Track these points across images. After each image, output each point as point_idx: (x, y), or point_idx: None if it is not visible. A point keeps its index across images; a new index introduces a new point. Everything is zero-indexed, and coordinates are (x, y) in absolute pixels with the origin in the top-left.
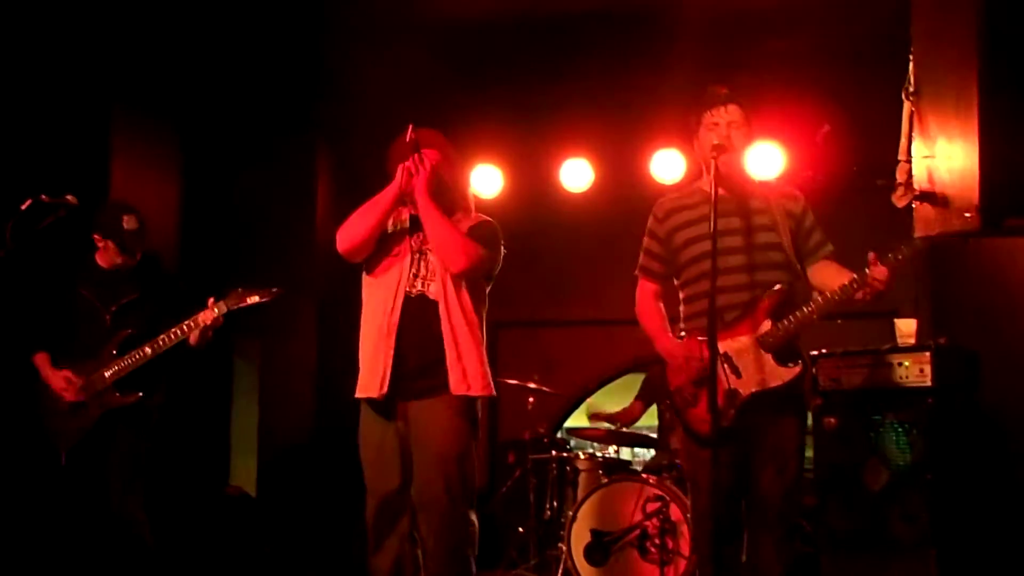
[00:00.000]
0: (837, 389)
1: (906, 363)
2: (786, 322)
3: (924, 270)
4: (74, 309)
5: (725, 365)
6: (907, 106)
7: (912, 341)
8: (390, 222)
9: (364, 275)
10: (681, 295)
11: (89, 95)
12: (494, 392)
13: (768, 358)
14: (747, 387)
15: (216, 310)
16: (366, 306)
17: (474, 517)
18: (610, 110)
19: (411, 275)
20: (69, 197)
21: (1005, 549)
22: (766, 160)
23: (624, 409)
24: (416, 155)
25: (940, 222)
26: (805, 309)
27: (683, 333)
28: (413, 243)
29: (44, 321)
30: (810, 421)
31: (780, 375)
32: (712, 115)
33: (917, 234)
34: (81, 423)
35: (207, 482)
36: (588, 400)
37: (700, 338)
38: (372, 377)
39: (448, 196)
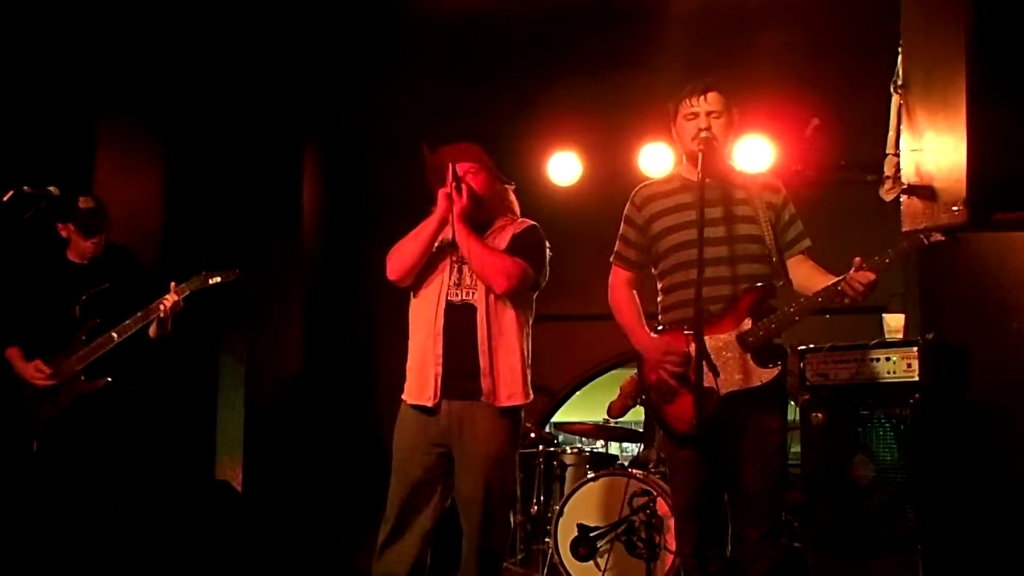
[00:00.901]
0: (824, 384)
1: (894, 358)
2: (768, 321)
3: (913, 265)
4: (45, 301)
5: (704, 362)
6: (895, 99)
7: (900, 336)
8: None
9: (411, 293)
10: (659, 285)
11: (74, 90)
12: (528, 399)
13: (748, 357)
14: (725, 386)
15: (177, 293)
16: (413, 318)
17: (511, 519)
18: (598, 103)
19: (452, 284)
20: (51, 188)
21: (992, 545)
22: (755, 154)
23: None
24: (454, 183)
25: (928, 216)
26: (788, 309)
27: (660, 327)
28: (455, 256)
29: (15, 316)
30: (797, 416)
31: (760, 375)
32: (691, 104)
33: (904, 228)
34: (51, 411)
35: (193, 477)
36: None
37: (685, 331)
38: (422, 384)
39: (488, 206)
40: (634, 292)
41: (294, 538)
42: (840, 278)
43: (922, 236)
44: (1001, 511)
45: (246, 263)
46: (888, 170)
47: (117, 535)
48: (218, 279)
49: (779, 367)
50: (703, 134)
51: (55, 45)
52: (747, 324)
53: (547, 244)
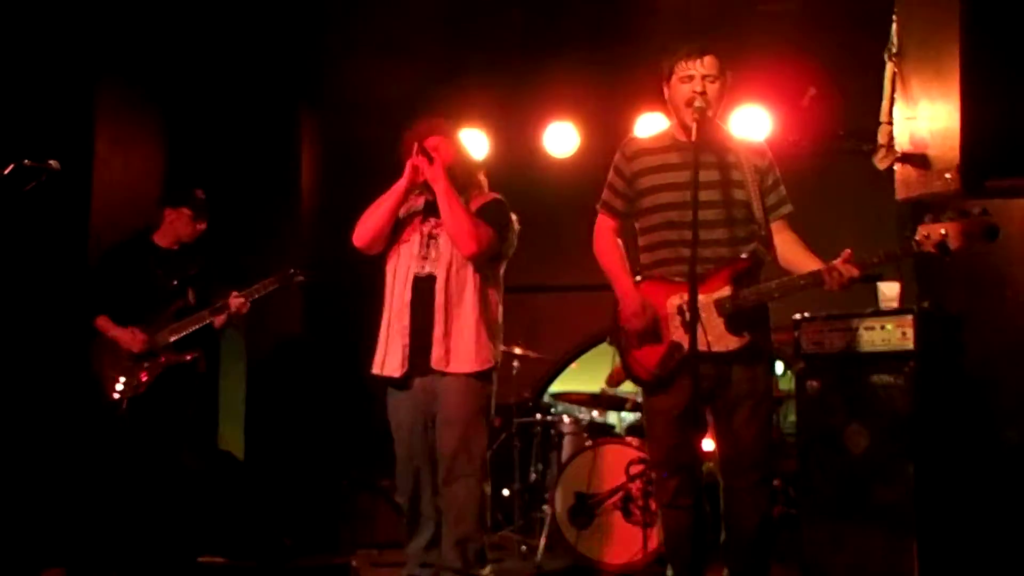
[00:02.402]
0: (819, 353)
1: (889, 327)
2: (747, 292)
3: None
4: (141, 279)
5: (678, 317)
6: (889, 67)
7: (895, 305)
8: (403, 209)
9: (385, 264)
10: (640, 241)
11: (73, 65)
12: (482, 367)
13: (720, 322)
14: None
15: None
16: (386, 291)
17: (486, 486)
18: (595, 73)
19: (420, 257)
20: (52, 162)
21: (986, 512)
22: (752, 123)
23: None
24: (422, 153)
25: (921, 183)
26: (770, 285)
27: (638, 278)
28: (424, 228)
29: (109, 287)
30: (792, 384)
31: (726, 342)
32: (686, 66)
33: (898, 196)
34: (144, 376)
35: (195, 447)
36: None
37: (674, 280)
38: (391, 357)
39: (458, 179)
40: (619, 240)
41: (297, 508)
42: (824, 266)
43: (914, 243)
44: (995, 478)
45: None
46: (882, 138)
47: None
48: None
49: (747, 338)
50: (697, 103)
51: (53, 19)
52: (726, 291)
53: (514, 218)
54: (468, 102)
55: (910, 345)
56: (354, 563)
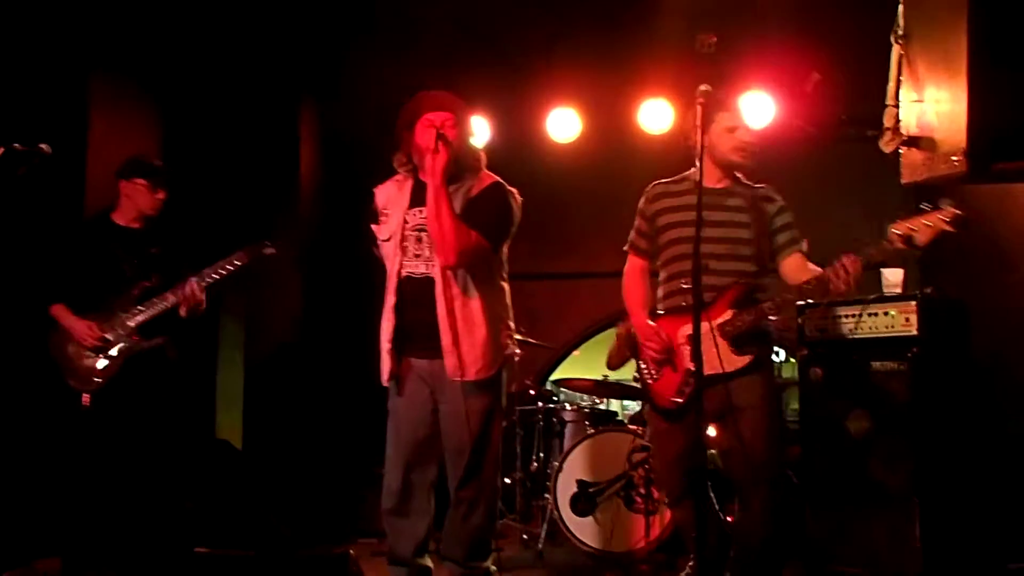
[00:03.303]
0: (823, 339)
1: (892, 312)
2: (745, 314)
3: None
4: (99, 261)
5: (687, 347)
6: (896, 50)
7: (899, 290)
8: (380, 199)
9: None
10: (660, 275)
11: (67, 50)
12: (495, 370)
13: (724, 344)
14: (705, 369)
15: (237, 261)
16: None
17: (497, 480)
18: (598, 59)
19: (413, 255)
20: (43, 146)
21: (988, 499)
22: (757, 109)
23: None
24: (442, 140)
25: (927, 167)
26: (765, 305)
27: (660, 311)
28: (411, 219)
29: (64, 273)
30: (795, 371)
31: (733, 362)
32: (731, 117)
33: (904, 180)
34: (107, 368)
35: (193, 435)
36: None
37: (681, 308)
38: (383, 365)
39: (460, 163)
40: (644, 279)
41: (295, 497)
42: (816, 274)
43: (886, 242)
44: (998, 465)
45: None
46: (888, 121)
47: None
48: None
49: (751, 356)
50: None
51: (47, 4)
52: (728, 315)
53: (515, 197)
54: (470, 88)
55: (913, 331)
56: (353, 552)
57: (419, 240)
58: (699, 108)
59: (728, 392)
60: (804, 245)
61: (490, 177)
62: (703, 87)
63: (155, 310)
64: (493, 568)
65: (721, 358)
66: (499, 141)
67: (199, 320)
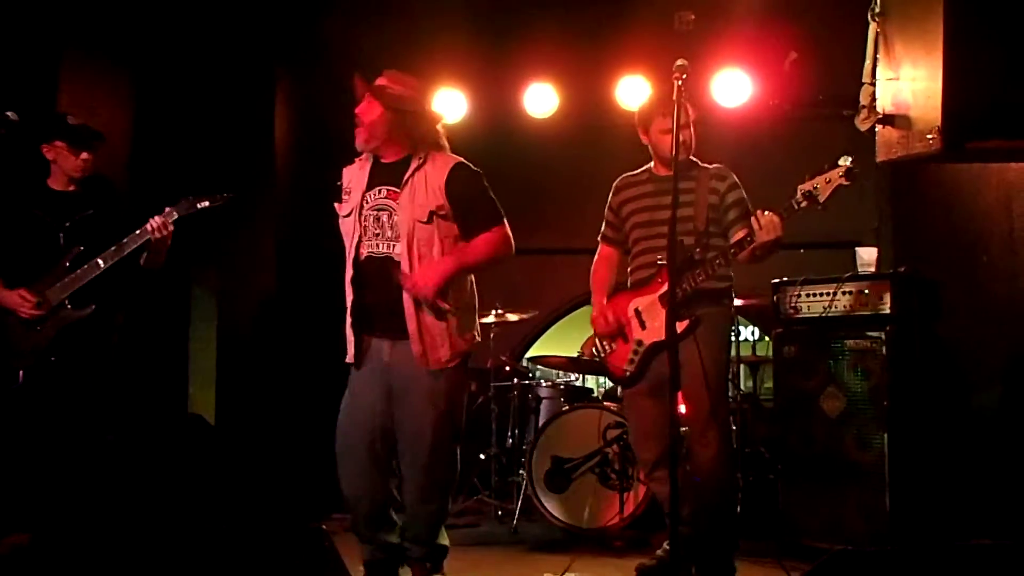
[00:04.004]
0: (797, 317)
1: (866, 291)
2: (679, 282)
3: (886, 198)
4: (26, 229)
5: (635, 319)
6: (873, 28)
7: (872, 269)
8: (347, 180)
9: None
10: (631, 261)
11: (39, 31)
12: (459, 358)
13: (663, 312)
14: (650, 337)
15: (165, 216)
16: None
17: (455, 463)
18: (576, 35)
19: (372, 234)
20: (9, 114)
21: (958, 474)
22: (733, 88)
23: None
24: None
25: (902, 145)
26: (695, 272)
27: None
28: (371, 198)
29: None
30: (770, 350)
31: (676, 327)
32: (666, 121)
33: (879, 157)
34: (37, 341)
35: (165, 410)
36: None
37: (629, 290)
38: (349, 341)
39: (415, 135)
40: (609, 266)
41: (268, 472)
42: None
43: (794, 202)
44: (968, 441)
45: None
46: (864, 99)
47: (112, 472)
48: (206, 203)
49: (689, 320)
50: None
51: None
52: (664, 287)
53: (483, 179)
54: (447, 63)
55: (887, 309)
56: (326, 527)
57: (378, 220)
58: (676, 83)
59: (679, 353)
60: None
61: (452, 159)
62: (680, 62)
63: (86, 276)
64: (447, 542)
65: (663, 325)
66: (476, 116)
67: (169, 290)
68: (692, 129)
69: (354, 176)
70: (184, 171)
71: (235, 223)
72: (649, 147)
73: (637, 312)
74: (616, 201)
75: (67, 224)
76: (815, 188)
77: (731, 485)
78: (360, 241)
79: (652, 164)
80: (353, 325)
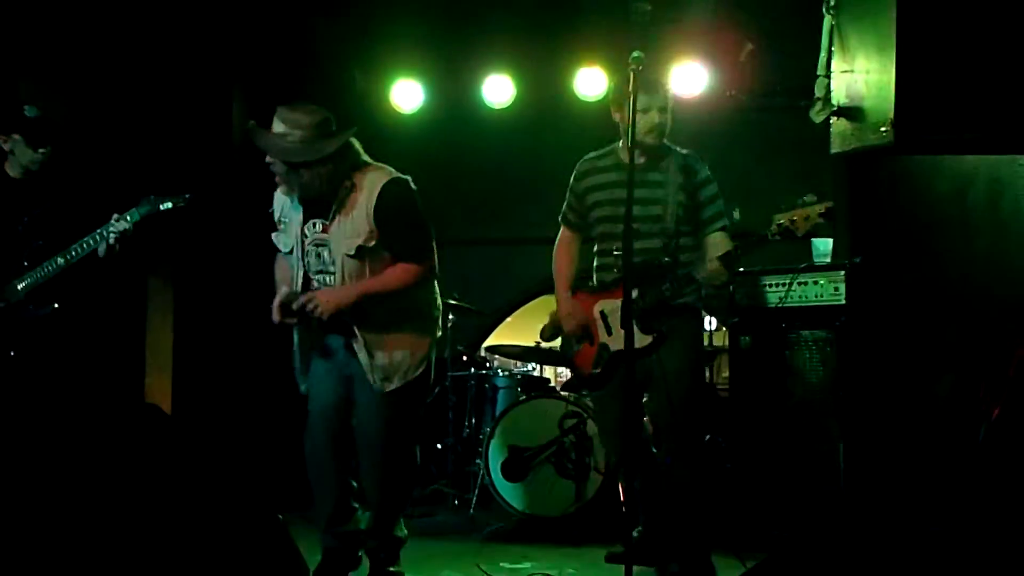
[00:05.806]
0: (753, 307)
1: (822, 281)
2: (648, 296)
3: (841, 189)
4: None
5: (601, 322)
6: (827, 20)
7: (828, 260)
8: (278, 208)
9: None
10: (594, 248)
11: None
12: (417, 372)
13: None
14: (615, 344)
15: (128, 217)
16: None
17: (416, 452)
18: (533, 26)
19: (316, 270)
20: None
21: (911, 461)
22: (689, 79)
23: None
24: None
25: (856, 137)
26: (663, 287)
27: (593, 283)
28: (308, 230)
29: None
30: (727, 340)
31: (640, 339)
32: (645, 100)
33: (833, 149)
34: None
35: (121, 399)
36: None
37: (597, 291)
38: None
39: (333, 169)
40: (572, 251)
41: (226, 462)
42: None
43: (769, 233)
44: (921, 428)
45: (173, 185)
46: (819, 92)
47: (68, 461)
48: (169, 204)
49: (654, 336)
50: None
51: None
52: (634, 293)
53: (411, 187)
54: (405, 54)
55: (842, 300)
56: (282, 517)
57: (319, 256)
58: (631, 74)
59: (644, 364)
60: (736, 214)
61: (380, 176)
62: (636, 53)
63: (48, 272)
64: (405, 533)
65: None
66: (434, 106)
67: (125, 280)
68: (669, 114)
69: (286, 205)
70: (140, 164)
71: (192, 215)
72: (620, 127)
73: (603, 315)
74: (580, 187)
75: (25, 218)
76: (792, 223)
77: (700, 492)
78: (306, 279)
79: (619, 144)
80: (301, 351)
